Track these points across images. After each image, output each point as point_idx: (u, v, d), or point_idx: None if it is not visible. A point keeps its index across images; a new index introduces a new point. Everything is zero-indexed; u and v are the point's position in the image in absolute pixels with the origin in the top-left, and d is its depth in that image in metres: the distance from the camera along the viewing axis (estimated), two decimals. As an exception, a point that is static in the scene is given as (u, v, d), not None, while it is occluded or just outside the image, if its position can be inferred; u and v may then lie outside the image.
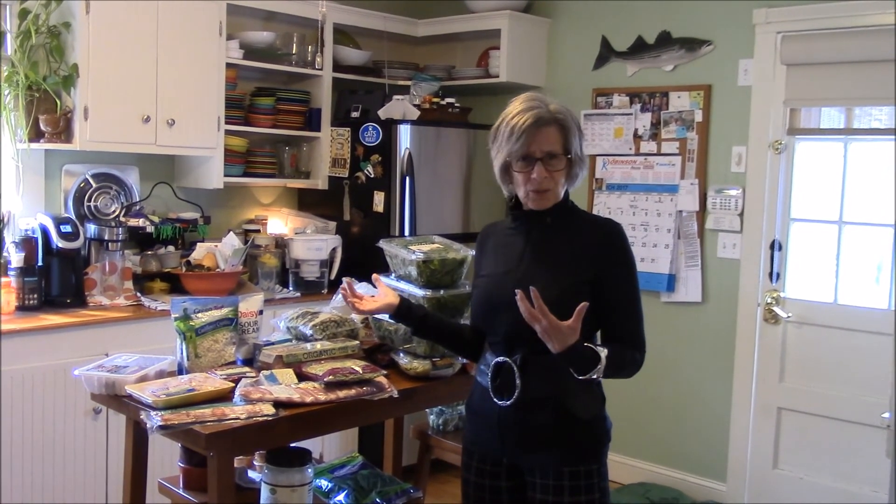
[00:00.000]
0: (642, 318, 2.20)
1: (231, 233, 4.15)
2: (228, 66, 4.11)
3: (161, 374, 2.46)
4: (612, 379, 2.14)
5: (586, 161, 2.21)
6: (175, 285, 3.94)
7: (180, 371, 2.53)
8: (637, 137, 4.47)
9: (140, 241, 4.02)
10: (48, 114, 3.59)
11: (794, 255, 4.10)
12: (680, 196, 4.32)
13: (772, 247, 4.09)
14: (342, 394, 2.34)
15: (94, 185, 3.96)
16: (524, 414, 2.16)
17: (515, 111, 2.13)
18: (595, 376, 2.06)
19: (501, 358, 2.17)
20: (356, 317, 2.83)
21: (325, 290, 4.28)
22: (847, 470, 3.91)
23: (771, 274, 4.10)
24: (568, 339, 2.00)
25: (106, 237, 3.77)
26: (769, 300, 4.09)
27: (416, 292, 2.55)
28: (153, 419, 2.13)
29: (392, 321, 2.58)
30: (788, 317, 4.05)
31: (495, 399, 2.18)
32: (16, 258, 3.52)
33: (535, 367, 2.13)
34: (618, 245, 2.17)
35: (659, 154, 4.40)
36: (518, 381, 2.13)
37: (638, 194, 4.45)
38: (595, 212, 4.55)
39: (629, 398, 4.26)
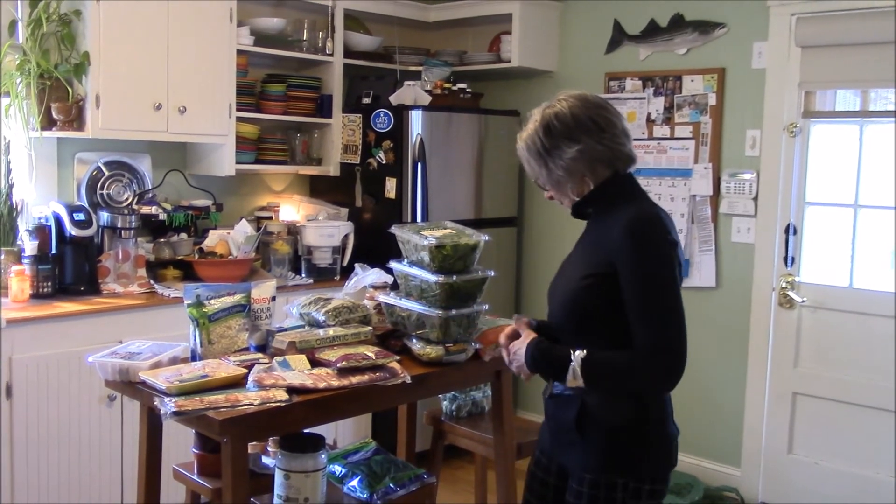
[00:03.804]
0: (657, 319, 1.95)
1: (243, 220, 4.15)
2: (239, 52, 4.11)
3: (174, 361, 2.46)
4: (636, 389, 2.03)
5: (568, 167, 2.06)
6: (188, 272, 3.95)
7: (193, 357, 2.53)
8: (650, 122, 4.44)
9: (153, 228, 4.03)
10: (60, 102, 3.60)
11: (809, 239, 4.07)
12: (693, 180, 4.29)
13: (786, 231, 4.07)
14: (355, 379, 2.34)
15: (106, 173, 3.96)
16: (555, 409, 2.15)
17: None
18: (577, 382, 1.97)
19: None
20: (368, 303, 2.83)
21: (337, 277, 4.28)
22: (862, 455, 3.89)
23: (786, 258, 4.07)
24: (516, 361, 2.11)
25: (119, 225, 3.78)
26: (784, 284, 4.07)
27: (429, 278, 2.54)
28: (167, 405, 2.13)
29: (405, 308, 2.59)
30: (803, 301, 4.03)
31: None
32: (29, 246, 3.54)
33: None
34: (629, 238, 1.96)
35: (672, 138, 4.37)
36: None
37: (651, 179, 4.42)
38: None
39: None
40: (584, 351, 1.98)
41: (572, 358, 1.98)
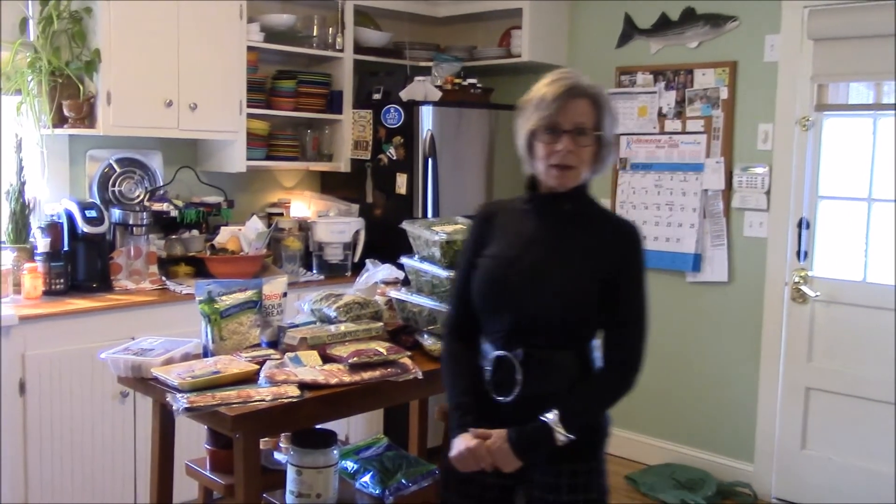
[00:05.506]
0: (643, 335, 2.01)
1: (254, 216, 4.16)
2: (249, 49, 4.11)
3: (186, 357, 2.47)
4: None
5: (614, 148, 2.09)
6: (199, 269, 3.96)
7: (205, 353, 2.54)
8: (661, 116, 4.42)
9: (164, 225, 4.04)
10: (71, 99, 3.61)
11: (823, 233, 4.04)
12: (705, 175, 4.27)
13: (799, 225, 4.04)
14: (367, 375, 2.34)
15: (118, 170, 3.97)
16: (526, 411, 1.99)
17: (547, 81, 2.03)
18: (566, 439, 1.95)
19: (502, 353, 2.04)
20: (380, 298, 2.83)
21: (348, 273, 4.28)
22: (876, 450, 3.86)
23: (799, 252, 4.05)
24: (509, 461, 1.98)
25: (131, 222, 3.79)
26: (797, 279, 4.04)
27: (440, 273, 2.54)
28: (179, 401, 2.14)
29: (416, 304, 2.59)
30: (816, 296, 4.00)
31: (494, 395, 2.05)
32: (42, 243, 3.55)
33: (538, 362, 2.01)
34: (637, 253, 2.02)
35: (684, 132, 4.34)
36: (519, 377, 2.00)
37: (663, 173, 4.40)
38: (619, 192, 4.53)
39: (655, 379, 4.21)
40: (555, 412, 1.95)
41: (549, 423, 1.94)
